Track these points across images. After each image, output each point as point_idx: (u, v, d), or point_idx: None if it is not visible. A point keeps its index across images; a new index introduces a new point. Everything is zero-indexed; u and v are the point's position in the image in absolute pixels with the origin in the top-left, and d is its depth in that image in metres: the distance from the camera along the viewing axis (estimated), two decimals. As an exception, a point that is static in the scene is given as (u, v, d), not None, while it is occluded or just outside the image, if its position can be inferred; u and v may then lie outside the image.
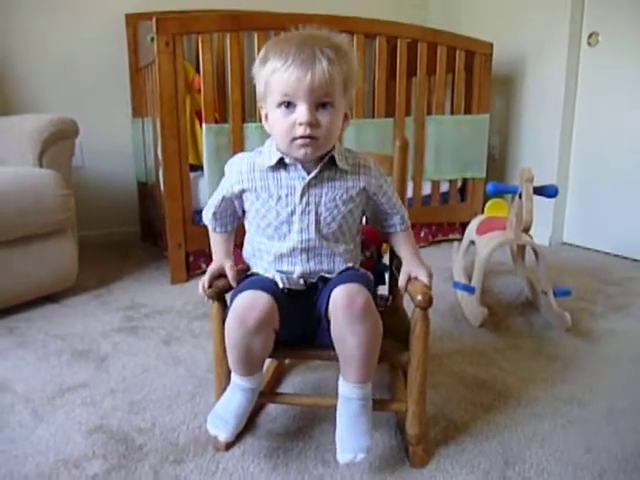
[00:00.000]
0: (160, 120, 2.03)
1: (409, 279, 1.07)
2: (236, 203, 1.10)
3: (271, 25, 2.08)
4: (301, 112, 0.93)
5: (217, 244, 1.17)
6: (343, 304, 0.94)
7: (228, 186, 1.07)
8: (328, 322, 0.98)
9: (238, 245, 1.16)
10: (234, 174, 1.06)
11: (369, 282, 1.04)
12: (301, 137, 0.95)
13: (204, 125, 2.09)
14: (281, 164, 1.02)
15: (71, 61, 2.62)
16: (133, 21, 2.60)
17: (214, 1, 2.69)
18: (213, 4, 2.67)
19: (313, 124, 0.94)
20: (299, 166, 1.01)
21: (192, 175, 2.15)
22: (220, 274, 1.09)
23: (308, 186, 1.01)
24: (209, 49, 2.04)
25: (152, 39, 1.99)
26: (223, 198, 1.09)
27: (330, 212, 1.03)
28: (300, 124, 0.94)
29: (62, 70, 2.61)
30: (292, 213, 1.02)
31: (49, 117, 1.98)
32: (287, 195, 1.02)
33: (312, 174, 1.01)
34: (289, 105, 0.94)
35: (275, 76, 0.94)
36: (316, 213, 1.02)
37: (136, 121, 2.71)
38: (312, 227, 1.02)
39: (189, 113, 2.24)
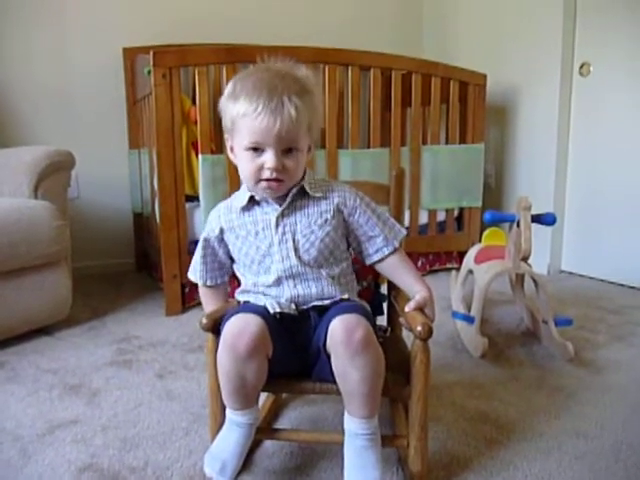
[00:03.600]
0: (156, 151, 2.03)
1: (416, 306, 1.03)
2: (221, 251, 1.12)
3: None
4: (269, 157, 0.98)
5: (209, 299, 1.17)
6: (342, 338, 0.91)
7: (209, 230, 1.12)
8: (328, 356, 0.96)
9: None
10: (214, 218, 1.12)
11: (367, 312, 1.02)
12: (267, 180, 0.99)
13: (200, 156, 2.09)
14: (253, 202, 1.06)
15: (68, 93, 2.64)
16: (131, 55, 2.62)
17: (210, 35, 2.73)
18: (209, 38, 2.70)
19: (279, 169, 0.98)
20: (270, 200, 1.05)
21: (188, 206, 2.14)
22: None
23: (282, 216, 1.04)
24: (205, 81, 2.06)
25: (149, 71, 2.01)
26: (205, 241, 1.12)
27: (307, 238, 1.04)
28: (268, 168, 0.98)
29: (59, 102, 2.63)
30: (271, 245, 1.04)
31: (45, 149, 1.98)
32: (264, 228, 1.05)
33: (284, 205, 1.04)
34: (257, 149, 0.98)
35: (245, 120, 0.97)
36: (293, 241, 1.03)
37: (132, 153, 2.72)
38: (292, 254, 1.03)
39: (185, 144, 2.24)
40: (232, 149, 1.05)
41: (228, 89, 1.02)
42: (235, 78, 1.03)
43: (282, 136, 0.96)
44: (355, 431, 0.96)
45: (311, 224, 1.04)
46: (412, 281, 1.09)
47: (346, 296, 1.06)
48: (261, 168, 0.98)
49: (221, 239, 1.10)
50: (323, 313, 1.02)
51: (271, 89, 0.96)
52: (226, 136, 1.06)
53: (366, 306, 1.11)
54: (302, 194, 1.05)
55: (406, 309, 1.03)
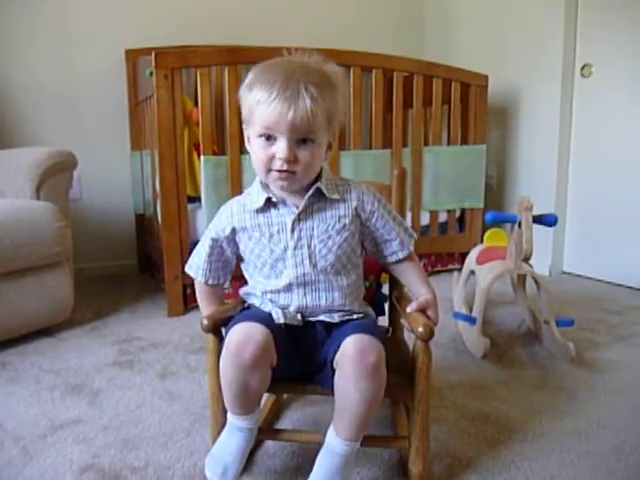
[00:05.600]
0: (158, 152, 2.04)
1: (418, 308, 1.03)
2: (229, 250, 1.08)
3: (268, 59, 2.10)
4: (280, 147, 0.94)
5: (205, 298, 1.13)
6: (354, 358, 0.89)
7: (219, 229, 1.06)
8: (333, 371, 0.94)
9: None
10: (224, 217, 1.06)
11: (381, 332, 1.01)
12: (278, 170, 0.95)
13: (202, 157, 2.09)
14: (270, 203, 1.02)
15: (71, 95, 2.65)
16: (133, 56, 2.63)
17: (212, 36, 2.74)
18: (211, 39, 2.71)
19: (291, 160, 0.94)
20: (288, 201, 1.01)
21: (190, 207, 2.15)
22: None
23: (298, 220, 1.00)
24: (207, 82, 2.06)
25: (151, 73, 2.01)
26: (213, 240, 1.07)
27: (324, 244, 1.00)
28: (279, 159, 0.94)
29: (62, 104, 2.64)
30: (285, 249, 1.01)
31: (47, 150, 1.98)
32: (279, 232, 1.01)
33: (300, 208, 1.00)
34: (269, 137, 0.95)
35: (259, 107, 0.94)
36: (309, 247, 1.00)
37: (135, 154, 2.72)
38: (306, 261, 1.00)
39: (187, 145, 2.25)
40: (249, 139, 1.02)
41: (247, 79, 0.99)
42: (254, 68, 1.00)
43: (295, 125, 0.92)
44: (334, 449, 0.95)
45: (329, 229, 1.00)
46: (418, 284, 1.08)
47: (355, 307, 1.04)
48: (272, 157, 0.95)
49: (231, 239, 1.06)
50: (330, 327, 1.01)
51: (287, 77, 0.93)
52: (244, 126, 1.03)
53: (376, 321, 1.10)
54: (319, 196, 1.01)
55: (408, 310, 1.03)
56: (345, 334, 0.93)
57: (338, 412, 0.95)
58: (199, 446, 1.19)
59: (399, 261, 1.08)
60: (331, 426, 0.98)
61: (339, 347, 0.92)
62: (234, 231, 1.05)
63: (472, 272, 1.95)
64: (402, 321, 1.09)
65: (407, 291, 1.17)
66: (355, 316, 1.04)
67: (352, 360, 0.89)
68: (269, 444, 1.19)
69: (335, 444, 0.96)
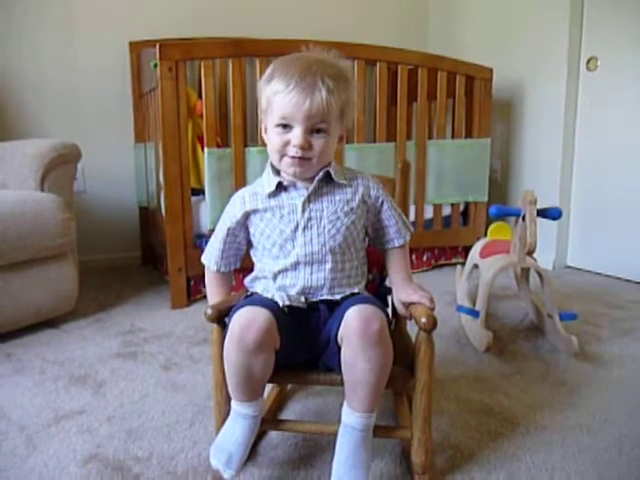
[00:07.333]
0: (162, 145, 2.04)
1: (408, 305, 1.05)
2: (241, 236, 1.10)
3: (272, 51, 2.09)
4: (296, 135, 0.98)
5: (215, 285, 1.15)
6: (358, 328, 0.91)
7: (231, 216, 1.09)
8: (338, 347, 0.95)
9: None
10: (238, 204, 1.09)
11: (382, 306, 1.02)
12: (292, 157, 0.99)
13: (206, 149, 2.10)
14: (281, 187, 1.05)
15: (75, 87, 2.65)
16: (137, 48, 2.63)
17: (217, 28, 2.73)
18: (216, 31, 2.70)
19: (305, 147, 0.99)
20: (298, 184, 1.05)
21: (193, 199, 2.15)
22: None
23: (308, 201, 1.04)
24: (211, 75, 2.06)
25: (155, 65, 2.01)
26: (228, 230, 1.09)
27: (333, 224, 1.04)
28: (294, 145, 0.98)
29: (66, 96, 2.64)
30: (295, 229, 1.03)
31: (51, 142, 1.99)
32: (289, 213, 1.04)
33: (310, 189, 1.04)
34: (286, 126, 0.99)
35: (277, 97, 0.99)
36: (318, 227, 1.03)
37: (138, 146, 2.72)
38: (315, 240, 1.03)
39: (191, 138, 2.25)
40: (265, 129, 1.06)
41: (266, 72, 1.04)
42: (274, 62, 1.05)
43: (311, 115, 0.96)
44: (352, 425, 0.96)
45: (337, 211, 1.04)
46: (397, 271, 1.11)
47: (356, 290, 1.06)
48: (287, 144, 0.99)
49: (243, 223, 1.09)
50: (333, 307, 1.02)
51: (305, 69, 0.97)
52: (261, 117, 1.07)
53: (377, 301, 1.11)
54: (327, 180, 1.05)
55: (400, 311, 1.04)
56: (346, 307, 0.96)
57: (350, 387, 0.96)
58: (202, 437, 1.20)
59: (394, 248, 1.12)
60: (344, 405, 0.98)
61: (341, 322, 0.95)
62: (246, 215, 1.08)
63: (475, 266, 1.95)
64: (400, 310, 1.09)
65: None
66: (356, 289, 1.06)
67: (357, 331, 0.91)
68: (272, 435, 1.20)
69: (351, 420, 0.96)
